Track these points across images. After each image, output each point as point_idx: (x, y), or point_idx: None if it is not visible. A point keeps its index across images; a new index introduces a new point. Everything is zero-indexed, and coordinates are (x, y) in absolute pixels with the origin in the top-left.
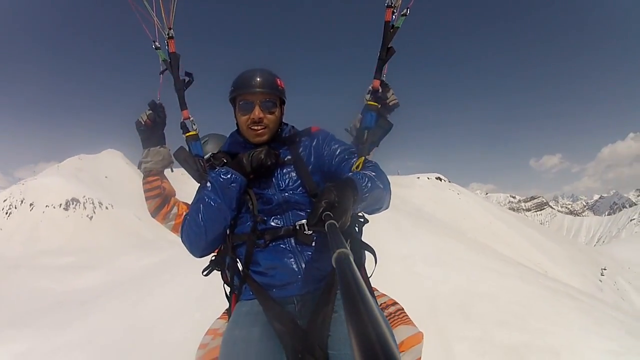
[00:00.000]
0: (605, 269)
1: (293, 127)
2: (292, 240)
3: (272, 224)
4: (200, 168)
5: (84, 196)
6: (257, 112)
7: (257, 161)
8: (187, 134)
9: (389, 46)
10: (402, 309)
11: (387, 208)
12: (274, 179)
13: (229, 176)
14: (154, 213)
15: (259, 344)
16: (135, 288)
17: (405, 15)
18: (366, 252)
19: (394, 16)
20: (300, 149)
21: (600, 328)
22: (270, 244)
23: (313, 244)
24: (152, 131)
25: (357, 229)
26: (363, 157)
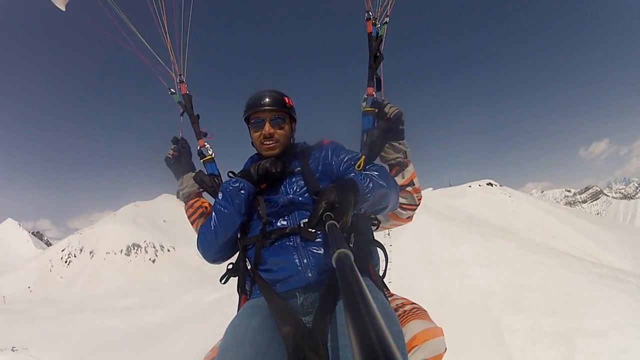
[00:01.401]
0: None
1: (305, 143)
2: (298, 238)
3: (279, 224)
4: (214, 185)
5: (145, 241)
6: (267, 128)
7: (263, 169)
8: (204, 159)
9: (376, 55)
10: (420, 307)
11: (394, 208)
12: (282, 187)
13: (237, 184)
14: None
15: (257, 332)
16: (204, 321)
17: (386, 23)
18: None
19: (377, 26)
20: (310, 160)
21: None
22: (277, 242)
23: (317, 239)
24: (180, 161)
25: (366, 228)
26: (364, 156)
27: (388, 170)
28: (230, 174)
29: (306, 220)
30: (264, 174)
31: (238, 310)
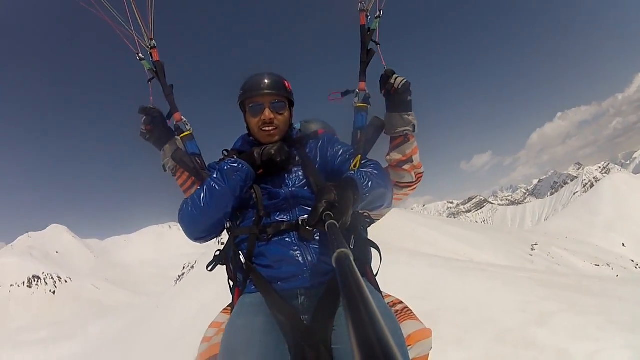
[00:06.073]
0: (536, 244)
1: (300, 130)
2: (296, 234)
3: (277, 218)
4: (196, 165)
5: (43, 272)
6: (267, 113)
7: (267, 155)
8: (182, 135)
9: (368, 48)
10: (409, 307)
11: (389, 206)
12: (281, 178)
13: (236, 165)
14: None
15: (261, 334)
16: (113, 351)
17: (379, 17)
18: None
19: (368, 19)
20: (307, 150)
21: (509, 287)
22: (274, 238)
23: (317, 237)
24: (156, 132)
25: (362, 228)
26: (359, 156)
27: (382, 167)
28: (225, 152)
29: (306, 217)
30: (268, 161)
31: (232, 304)
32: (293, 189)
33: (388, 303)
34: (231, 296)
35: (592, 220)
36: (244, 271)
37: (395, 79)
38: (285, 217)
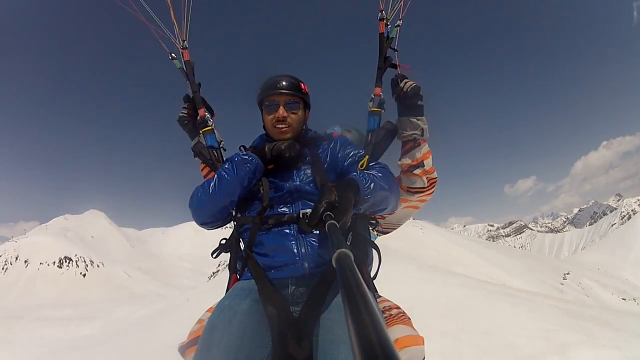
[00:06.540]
0: (568, 274)
1: (316, 132)
2: (296, 227)
3: (280, 210)
4: (212, 157)
5: (76, 255)
6: (281, 111)
7: (277, 150)
8: (204, 129)
9: (386, 56)
10: (405, 313)
11: (393, 209)
12: (289, 173)
13: (246, 157)
14: None
15: (245, 315)
16: (135, 334)
17: (399, 26)
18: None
19: (387, 28)
20: (320, 150)
21: (534, 314)
22: (275, 228)
23: (315, 231)
24: (193, 121)
25: (363, 228)
26: (367, 157)
27: (390, 170)
28: (242, 148)
29: (307, 211)
30: (277, 156)
31: (227, 289)
32: (298, 183)
33: (383, 307)
34: (227, 282)
35: (625, 253)
36: (243, 259)
37: (405, 83)
38: (287, 210)
